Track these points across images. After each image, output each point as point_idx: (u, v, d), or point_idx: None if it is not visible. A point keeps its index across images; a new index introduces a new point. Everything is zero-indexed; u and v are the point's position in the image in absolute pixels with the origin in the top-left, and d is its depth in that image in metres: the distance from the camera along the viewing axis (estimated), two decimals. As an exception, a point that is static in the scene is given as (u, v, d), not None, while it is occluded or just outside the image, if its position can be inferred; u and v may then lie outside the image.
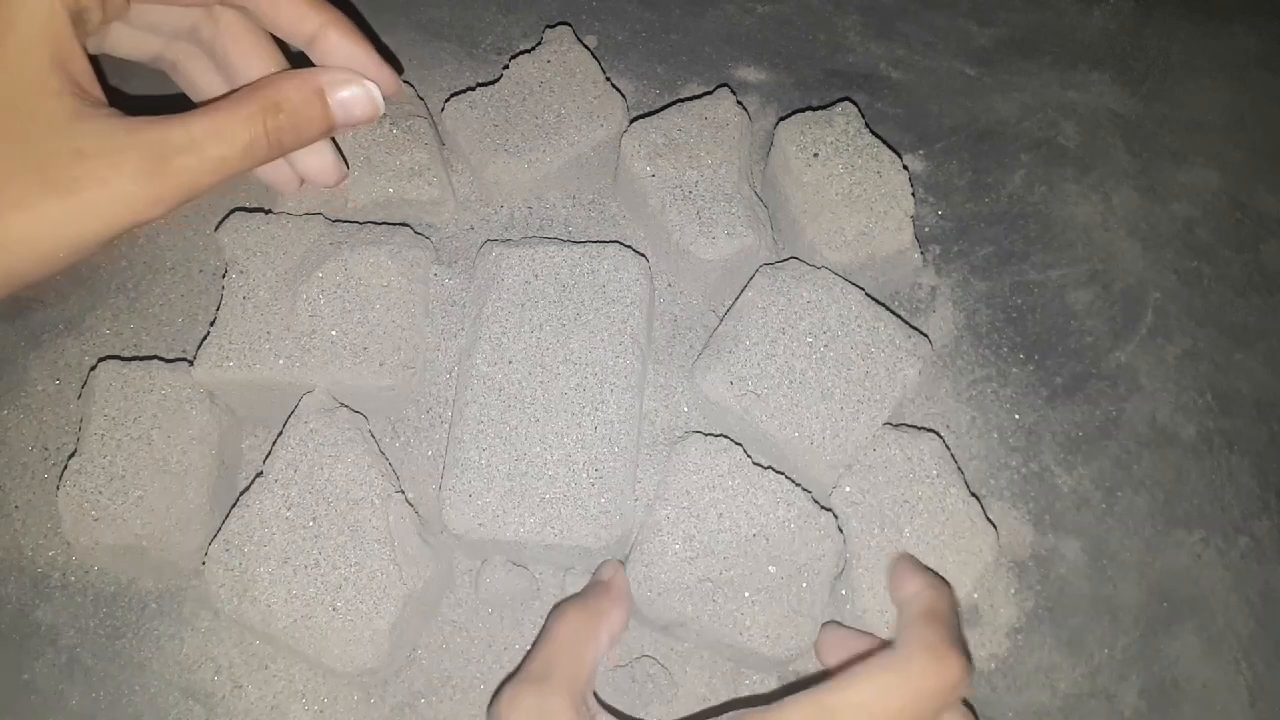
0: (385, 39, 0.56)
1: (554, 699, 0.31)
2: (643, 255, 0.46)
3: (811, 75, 0.57)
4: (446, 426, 0.45)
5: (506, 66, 0.51)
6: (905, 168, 0.48)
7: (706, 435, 0.42)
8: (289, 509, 0.40)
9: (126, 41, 0.36)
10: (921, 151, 0.55)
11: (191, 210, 0.51)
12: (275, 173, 0.39)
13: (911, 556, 0.39)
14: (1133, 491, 0.47)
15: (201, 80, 0.38)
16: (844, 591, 0.42)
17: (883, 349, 0.43)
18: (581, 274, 0.44)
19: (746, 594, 0.39)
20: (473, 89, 0.50)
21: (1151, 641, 0.44)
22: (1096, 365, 0.49)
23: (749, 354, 0.43)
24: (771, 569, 0.39)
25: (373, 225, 0.46)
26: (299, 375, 0.42)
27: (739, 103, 0.50)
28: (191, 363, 0.43)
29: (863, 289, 0.44)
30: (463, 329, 0.46)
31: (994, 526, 0.42)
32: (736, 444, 0.41)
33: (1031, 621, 0.44)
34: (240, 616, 0.39)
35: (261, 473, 0.41)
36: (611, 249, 0.45)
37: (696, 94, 0.51)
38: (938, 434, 0.44)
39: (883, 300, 0.47)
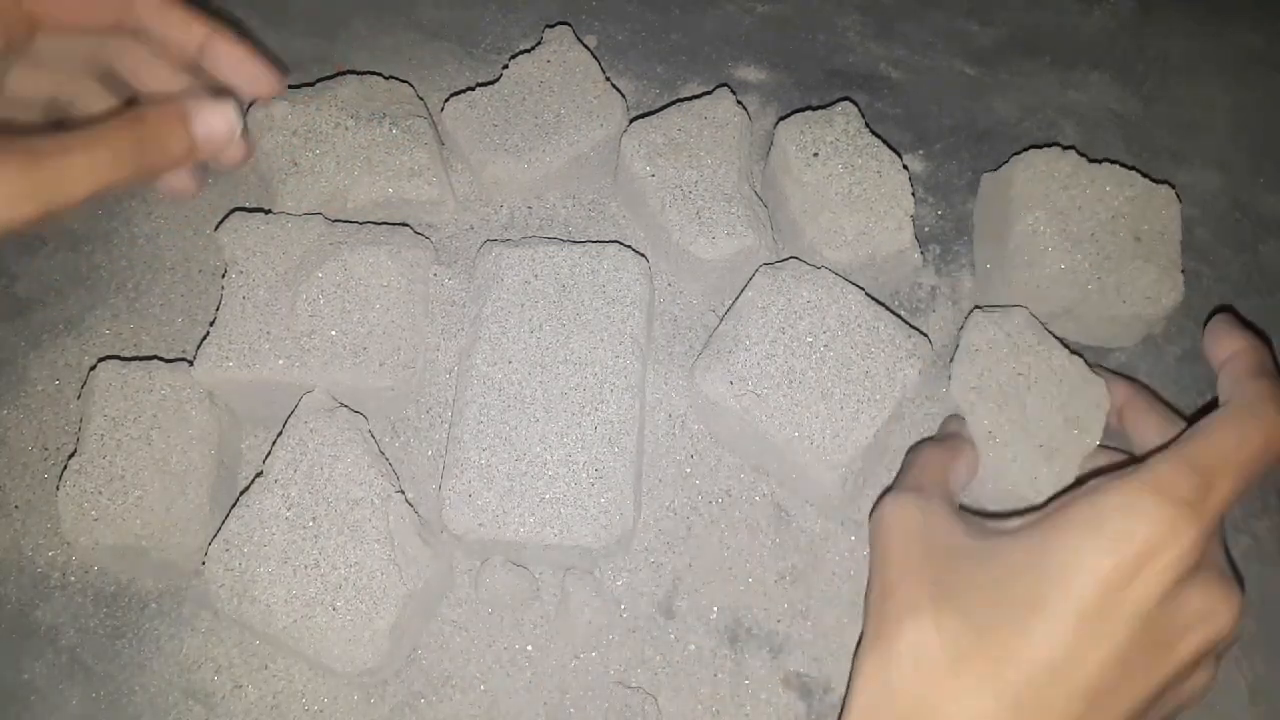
0: (385, 39, 0.56)
1: (934, 503, 0.35)
2: (643, 255, 0.46)
3: (811, 75, 0.57)
4: (446, 426, 0.45)
5: (506, 66, 0.51)
6: (905, 168, 0.48)
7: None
8: (289, 509, 0.40)
9: (26, 81, 0.38)
10: (921, 151, 0.55)
11: (191, 210, 0.51)
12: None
13: (1229, 315, 0.40)
14: (1133, 491, 0.47)
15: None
16: (985, 470, 0.43)
17: (883, 349, 0.43)
18: (581, 274, 0.44)
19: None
20: (473, 89, 0.50)
21: (1151, 641, 0.44)
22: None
23: (749, 354, 0.43)
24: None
25: (373, 225, 0.46)
26: (299, 375, 0.42)
27: (739, 103, 0.50)
28: (191, 363, 0.43)
29: (863, 289, 0.44)
30: (463, 329, 0.46)
31: (1100, 376, 0.43)
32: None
33: (1031, 621, 0.44)
34: (240, 616, 0.39)
35: (261, 473, 0.41)
36: (611, 249, 0.45)
37: (696, 94, 0.51)
38: (1024, 307, 0.45)
39: (883, 300, 0.47)
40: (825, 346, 0.43)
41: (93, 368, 0.43)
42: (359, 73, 0.51)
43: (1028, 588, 0.29)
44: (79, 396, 0.45)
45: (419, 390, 0.46)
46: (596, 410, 0.41)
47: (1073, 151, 0.48)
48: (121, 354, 0.47)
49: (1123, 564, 0.28)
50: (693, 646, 0.42)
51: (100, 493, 0.41)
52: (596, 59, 0.51)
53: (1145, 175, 0.48)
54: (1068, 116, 0.56)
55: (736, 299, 0.45)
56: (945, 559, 0.32)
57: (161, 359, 0.44)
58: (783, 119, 0.49)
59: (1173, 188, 0.48)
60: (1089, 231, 0.46)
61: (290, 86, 0.51)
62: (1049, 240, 0.46)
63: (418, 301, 0.45)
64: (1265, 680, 0.44)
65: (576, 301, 0.44)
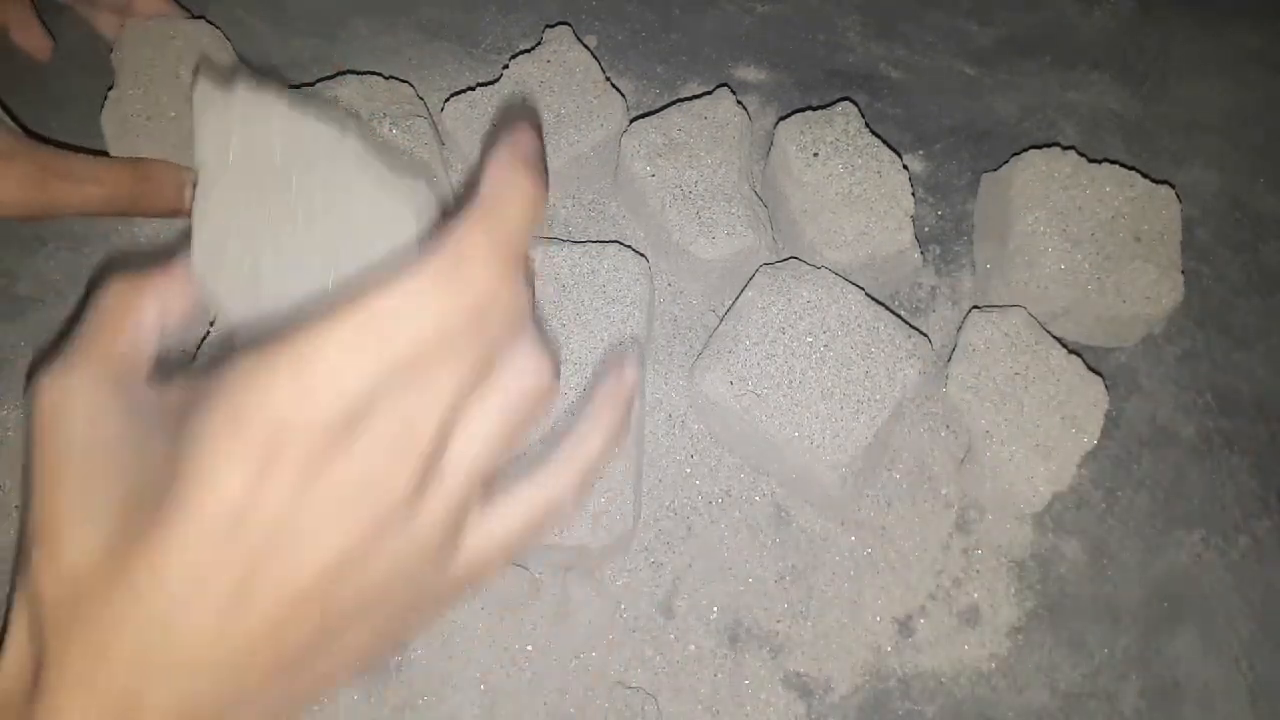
0: (385, 39, 0.56)
1: (80, 377, 0.26)
2: (643, 255, 0.46)
3: (811, 75, 0.57)
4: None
5: (506, 66, 0.51)
6: (905, 168, 0.48)
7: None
8: (250, 196, 0.32)
9: None
10: (921, 151, 0.55)
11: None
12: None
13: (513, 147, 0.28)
14: (1133, 491, 0.47)
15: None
16: (982, 469, 0.43)
17: (883, 349, 0.43)
18: (581, 274, 0.44)
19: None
20: (473, 89, 0.50)
21: (1151, 641, 0.44)
22: (1097, 365, 0.49)
23: (749, 354, 0.43)
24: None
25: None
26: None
27: (739, 103, 0.50)
28: (192, 362, 0.42)
29: (863, 289, 0.44)
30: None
31: (1099, 375, 0.44)
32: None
33: (1031, 621, 0.44)
34: (258, 303, 0.33)
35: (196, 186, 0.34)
36: (611, 249, 0.45)
37: (696, 94, 0.51)
38: (1022, 307, 0.46)
39: (883, 300, 0.47)
40: (825, 346, 0.43)
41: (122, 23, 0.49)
42: (359, 73, 0.51)
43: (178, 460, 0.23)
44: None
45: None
46: None
47: (1073, 151, 0.48)
48: (121, 354, 0.47)
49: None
50: (692, 646, 0.42)
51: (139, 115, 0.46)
52: (596, 59, 0.51)
53: (1145, 175, 0.48)
54: (1068, 116, 0.56)
55: (736, 299, 0.45)
56: (85, 456, 0.25)
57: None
58: (783, 119, 0.49)
59: (1173, 188, 0.48)
60: (1089, 231, 0.46)
61: (290, 86, 0.51)
62: (1049, 240, 0.46)
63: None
64: (1265, 680, 0.44)
65: (576, 301, 0.44)
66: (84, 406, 0.26)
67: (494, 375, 0.25)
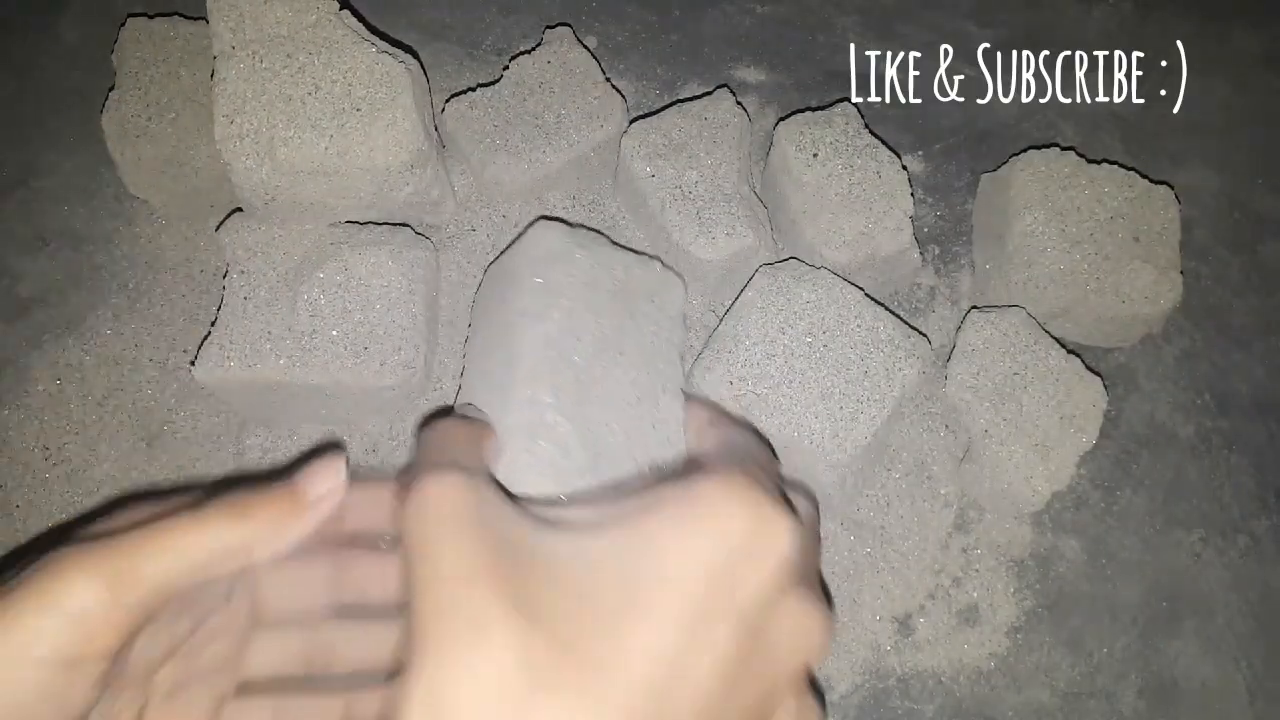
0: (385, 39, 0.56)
1: (485, 484, 0.26)
2: (681, 276, 0.43)
3: (811, 75, 0.57)
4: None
5: (506, 67, 0.51)
6: (905, 168, 0.48)
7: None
8: (269, 71, 0.41)
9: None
10: (921, 152, 0.55)
11: (193, 210, 0.51)
12: None
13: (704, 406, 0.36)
14: (1132, 491, 0.47)
15: None
16: (981, 469, 0.44)
17: (882, 349, 0.43)
18: (634, 278, 0.42)
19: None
20: (473, 89, 0.50)
21: (1151, 641, 0.44)
22: (1095, 365, 0.49)
23: (749, 354, 0.43)
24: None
25: (373, 225, 0.46)
26: (300, 375, 0.42)
27: (739, 103, 0.50)
28: (193, 363, 0.43)
29: (862, 289, 0.44)
30: (468, 324, 0.46)
31: (1098, 375, 0.44)
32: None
33: (1031, 621, 0.44)
34: (272, 171, 0.40)
35: (216, 57, 0.42)
36: (655, 264, 0.42)
37: (696, 94, 0.51)
38: (1021, 307, 0.46)
39: (883, 300, 0.47)
40: (825, 346, 0.43)
41: (122, 24, 0.48)
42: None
43: (622, 593, 0.24)
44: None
45: (420, 390, 0.46)
46: (654, 409, 0.40)
47: (1072, 152, 0.48)
48: (122, 353, 0.47)
49: (730, 559, 0.24)
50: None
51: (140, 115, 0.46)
52: (596, 59, 0.51)
53: (1144, 176, 0.48)
54: (1067, 117, 0.56)
55: (736, 299, 0.45)
56: (514, 557, 0.25)
57: (183, 15, 0.49)
58: (782, 120, 0.49)
59: (1171, 188, 0.48)
60: (1088, 232, 0.46)
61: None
62: (1048, 240, 0.46)
63: (418, 301, 0.45)
64: (1264, 680, 0.44)
65: (631, 303, 0.41)
66: (481, 505, 0.25)
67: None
